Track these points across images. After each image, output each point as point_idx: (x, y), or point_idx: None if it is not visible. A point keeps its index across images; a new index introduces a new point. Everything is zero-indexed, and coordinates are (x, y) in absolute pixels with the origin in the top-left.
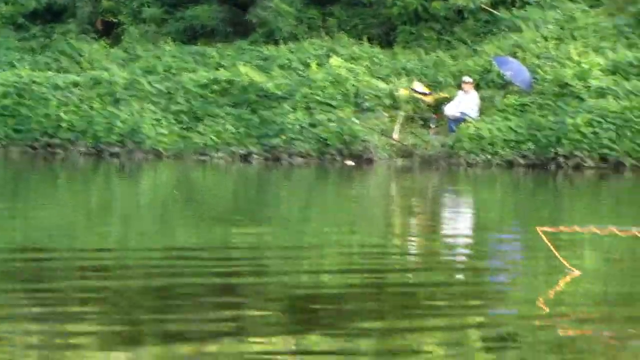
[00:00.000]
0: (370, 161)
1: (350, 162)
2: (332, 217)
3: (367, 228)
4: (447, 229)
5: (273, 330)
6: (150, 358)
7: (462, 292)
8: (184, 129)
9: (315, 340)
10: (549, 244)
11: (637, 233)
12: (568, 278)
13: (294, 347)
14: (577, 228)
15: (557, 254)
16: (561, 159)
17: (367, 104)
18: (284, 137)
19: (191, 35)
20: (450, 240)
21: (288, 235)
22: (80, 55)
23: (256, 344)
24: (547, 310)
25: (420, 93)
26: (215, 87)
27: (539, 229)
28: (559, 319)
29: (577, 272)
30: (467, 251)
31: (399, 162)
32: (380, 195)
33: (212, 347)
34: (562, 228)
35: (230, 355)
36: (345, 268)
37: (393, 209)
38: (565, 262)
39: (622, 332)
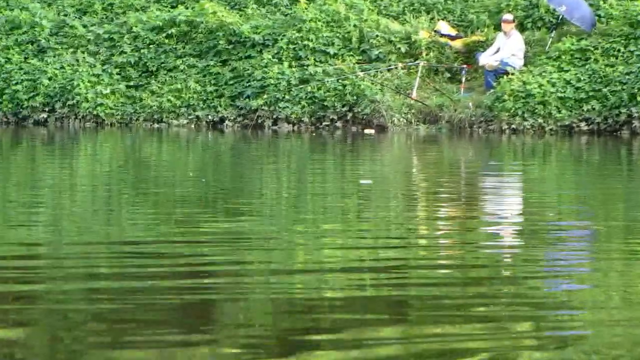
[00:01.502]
0: (382, 128)
1: (370, 131)
2: (335, 206)
3: (382, 221)
4: (489, 218)
5: (265, 351)
6: None
7: (510, 301)
8: (131, 87)
9: (320, 355)
10: None
11: None
12: None
13: None
14: None
15: None
16: (637, 124)
17: (375, 52)
18: (265, 97)
19: None
20: (494, 234)
21: (276, 232)
22: None
23: None
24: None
25: (446, 36)
26: (172, 30)
27: None
28: None
29: None
30: (516, 249)
31: (422, 129)
32: (398, 176)
33: None
34: None
35: None
36: (353, 266)
37: (416, 194)
38: None
39: None
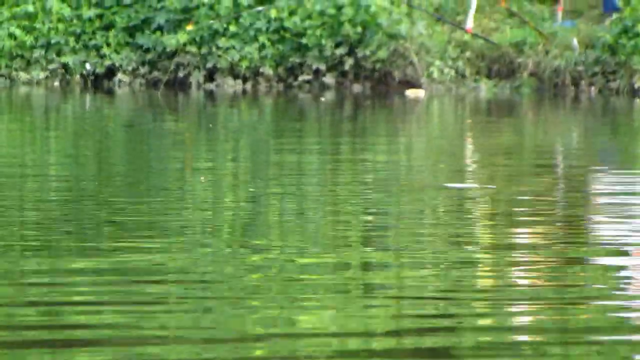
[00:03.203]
0: (412, 87)
1: (415, 93)
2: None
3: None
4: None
5: None
6: None
7: None
8: None
9: None
10: None
11: None
12: None
13: None
14: None
15: None
16: None
17: None
18: (192, 30)
19: None
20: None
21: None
22: None
23: None
24: None
25: None
26: None
27: None
28: None
29: None
30: None
31: (484, 88)
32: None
33: None
34: None
35: None
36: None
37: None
38: None
39: None
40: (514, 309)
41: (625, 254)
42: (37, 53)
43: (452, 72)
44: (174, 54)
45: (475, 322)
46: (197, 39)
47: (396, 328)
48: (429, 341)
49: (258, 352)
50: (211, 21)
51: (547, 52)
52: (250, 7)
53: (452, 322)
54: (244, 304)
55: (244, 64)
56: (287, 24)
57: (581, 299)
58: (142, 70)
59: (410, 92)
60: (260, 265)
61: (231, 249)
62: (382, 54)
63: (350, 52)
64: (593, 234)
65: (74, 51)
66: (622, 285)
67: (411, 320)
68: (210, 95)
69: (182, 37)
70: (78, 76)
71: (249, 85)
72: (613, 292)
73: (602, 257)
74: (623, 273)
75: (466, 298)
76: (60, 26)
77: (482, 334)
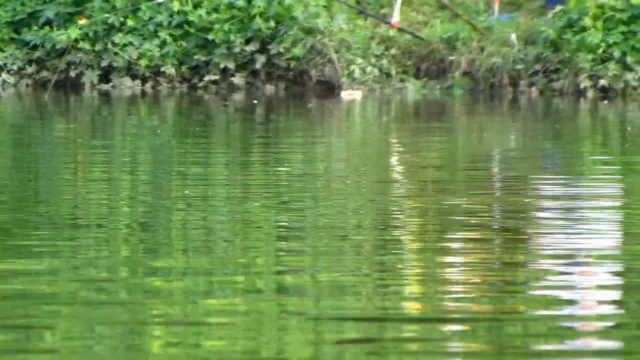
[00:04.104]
0: (331, 88)
1: (350, 94)
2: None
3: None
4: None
5: None
6: None
7: None
8: None
9: None
10: None
11: None
12: None
13: None
14: None
15: None
16: None
17: None
18: (84, 24)
19: None
20: None
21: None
22: None
23: None
24: None
25: None
26: None
27: None
28: None
29: None
30: None
31: (411, 88)
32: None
33: None
34: None
35: None
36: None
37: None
38: None
39: None
40: (442, 323)
41: (564, 265)
42: None
43: (376, 71)
44: (64, 51)
45: (400, 337)
46: (91, 34)
47: (314, 340)
48: (349, 356)
49: None
50: (106, 15)
51: (482, 49)
52: None
53: (375, 334)
54: (144, 327)
55: (143, 62)
56: (191, 17)
57: (515, 310)
58: (29, 69)
59: (346, 94)
60: (162, 280)
61: (129, 267)
62: (298, 51)
63: (262, 49)
64: (529, 245)
65: None
66: (559, 299)
67: (331, 336)
68: (105, 97)
69: (73, 33)
70: None
71: (148, 86)
72: (550, 305)
73: (540, 265)
74: (564, 282)
75: (393, 318)
76: None
77: (409, 357)
